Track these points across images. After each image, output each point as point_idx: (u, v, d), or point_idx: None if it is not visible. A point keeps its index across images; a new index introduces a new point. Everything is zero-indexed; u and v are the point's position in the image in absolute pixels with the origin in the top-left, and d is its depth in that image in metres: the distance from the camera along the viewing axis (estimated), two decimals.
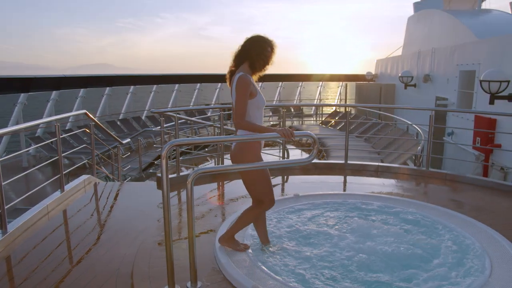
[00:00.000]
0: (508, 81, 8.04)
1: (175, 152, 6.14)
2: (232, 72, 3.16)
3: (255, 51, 3.07)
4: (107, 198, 5.37)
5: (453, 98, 11.77)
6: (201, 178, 5.94)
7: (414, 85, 15.43)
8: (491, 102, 8.25)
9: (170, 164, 7.08)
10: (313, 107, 22.48)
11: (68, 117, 13.07)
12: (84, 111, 5.76)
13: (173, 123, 10.68)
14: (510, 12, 16.60)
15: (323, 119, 18.86)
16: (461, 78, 11.48)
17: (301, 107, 21.28)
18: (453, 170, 8.25)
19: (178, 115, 6.04)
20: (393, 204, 4.57)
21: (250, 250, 3.33)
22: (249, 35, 3.18)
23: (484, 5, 18.78)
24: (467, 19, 13.12)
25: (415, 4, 19.38)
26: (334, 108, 19.73)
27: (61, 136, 8.68)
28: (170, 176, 5.83)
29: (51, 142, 12.32)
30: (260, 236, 3.44)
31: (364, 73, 22.19)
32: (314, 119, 20.63)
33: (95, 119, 6.08)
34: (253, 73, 3.15)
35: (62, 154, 5.12)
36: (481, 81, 8.28)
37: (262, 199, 3.20)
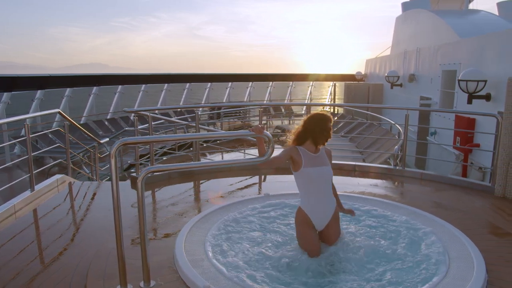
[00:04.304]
0: (485, 81, 8.10)
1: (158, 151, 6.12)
2: None
3: (319, 128, 3.28)
4: (80, 197, 5.33)
5: (436, 98, 11.85)
6: (177, 178, 5.93)
7: (400, 85, 15.50)
8: (469, 101, 8.31)
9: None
10: (304, 107, 22.50)
11: (55, 116, 13.01)
12: (58, 110, 5.72)
13: (156, 122, 10.69)
14: (497, 13, 16.73)
15: None
16: (443, 77, 11.56)
17: (291, 107, 21.27)
18: (435, 170, 8.31)
19: (153, 115, 6.02)
20: (362, 203, 4.58)
21: (209, 250, 3.33)
22: (308, 115, 3.44)
23: (472, 6, 18.93)
24: (452, 19, 13.21)
25: (403, 4, 19.48)
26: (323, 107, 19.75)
27: (38, 134, 8.63)
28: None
29: (36, 141, 12.33)
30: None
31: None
32: None
33: (70, 119, 6.04)
34: (316, 147, 3.35)
35: (34, 153, 5.11)
36: (459, 81, 8.34)
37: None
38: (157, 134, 9.91)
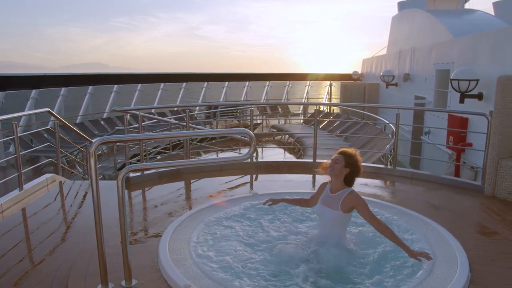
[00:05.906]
0: (477, 80, 8.11)
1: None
2: None
3: None
4: (70, 197, 5.29)
5: (430, 97, 11.85)
6: (167, 177, 5.91)
7: (396, 84, 15.51)
8: (461, 101, 8.32)
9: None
10: (301, 106, 22.47)
11: (50, 115, 12.99)
12: (47, 109, 5.71)
13: (149, 122, 10.69)
14: (493, 13, 16.76)
15: (307, 117, 18.91)
16: (437, 77, 11.56)
17: (288, 106, 21.26)
18: (428, 170, 8.31)
19: (146, 114, 6.01)
20: None
21: (193, 249, 3.33)
22: None
23: (468, 6, 18.96)
24: (447, 18, 13.22)
25: (399, 4, 19.51)
26: (320, 107, 19.76)
27: (31, 132, 8.62)
28: (134, 175, 5.80)
29: (31, 140, 12.31)
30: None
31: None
32: (303, 118, 20.64)
33: (61, 118, 6.03)
34: (336, 185, 3.41)
35: (23, 152, 5.10)
36: (451, 80, 8.35)
37: None
38: (145, 133, 9.90)
